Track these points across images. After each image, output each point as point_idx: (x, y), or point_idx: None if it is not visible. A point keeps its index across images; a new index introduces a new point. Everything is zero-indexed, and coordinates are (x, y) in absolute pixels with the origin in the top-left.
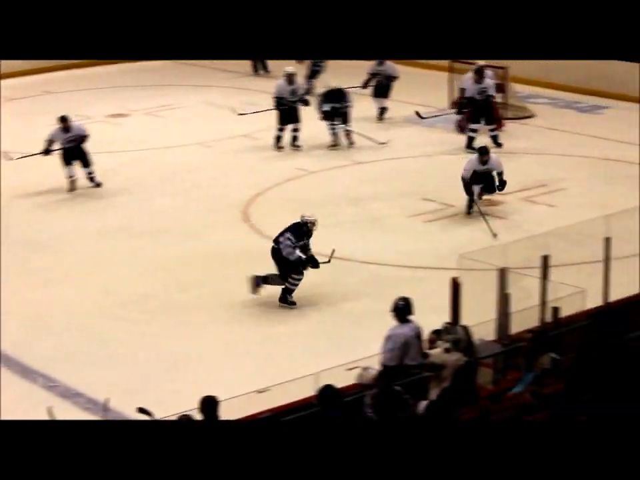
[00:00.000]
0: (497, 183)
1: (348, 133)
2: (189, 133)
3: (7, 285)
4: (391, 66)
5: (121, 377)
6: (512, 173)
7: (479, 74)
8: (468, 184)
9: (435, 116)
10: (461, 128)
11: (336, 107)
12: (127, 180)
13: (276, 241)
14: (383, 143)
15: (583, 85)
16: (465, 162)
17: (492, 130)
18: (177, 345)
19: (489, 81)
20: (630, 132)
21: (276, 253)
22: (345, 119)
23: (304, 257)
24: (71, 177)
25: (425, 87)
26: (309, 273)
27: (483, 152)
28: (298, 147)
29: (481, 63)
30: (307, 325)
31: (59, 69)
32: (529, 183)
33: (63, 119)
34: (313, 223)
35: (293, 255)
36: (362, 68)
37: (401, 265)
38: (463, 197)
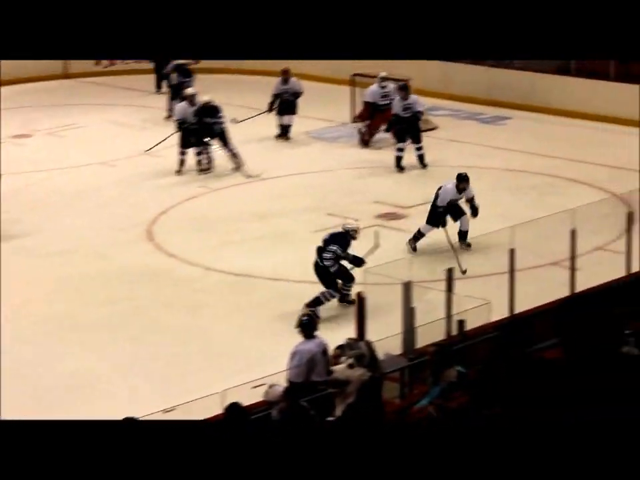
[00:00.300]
0: (471, 211)
1: (233, 155)
2: (92, 152)
3: None
4: (296, 83)
5: (26, 396)
6: (415, 185)
7: (404, 90)
8: (441, 214)
9: (252, 117)
10: (364, 142)
11: (209, 123)
12: (33, 201)
13: (320, 256)
14: (252, 176)
15: (484, 96)
16: (441, 190)
17: (418, 149)
18: (81, 364)
19: (414, 97)
20: (532, 142)
21: (319, 268)
22: (224, 140)
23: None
24: None
25: (326, 101)
26: (215, 291)
27: (462, 179)
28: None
29: (383, 74)
30: (213, 343)
31: None
32: (432, 195)
33: None
34: (356, 230)
35: (333, 267)
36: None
37: (306, 281)
38: (369, 212)
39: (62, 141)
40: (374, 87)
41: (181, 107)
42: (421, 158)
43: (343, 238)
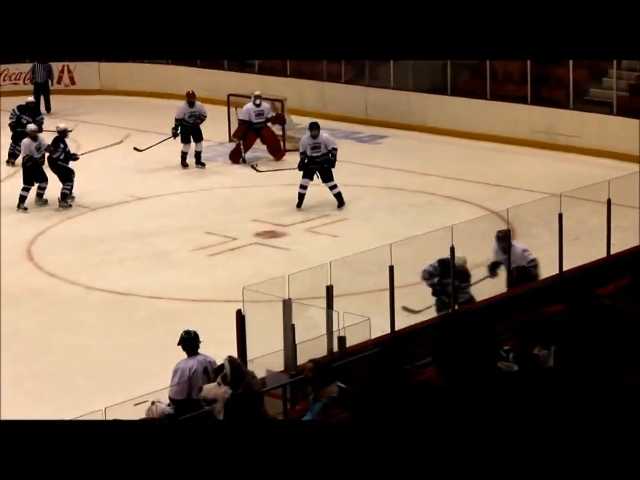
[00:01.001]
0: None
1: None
2: None
3: None
4: (201, 106)
5: None
6: (294, 204)
7: (314, 128)
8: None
9: (155, 144)
10: (235, 159)
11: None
12: None
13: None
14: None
15: (360, 115)
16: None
17: (331, 188)
18: None
19: (325, 135)
20: (410, 160)
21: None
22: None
23: None
24: None
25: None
26: (97, 310)
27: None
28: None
29: (257, 93)
30: (94, 361)
31: None
32: (311, 213)
33: None
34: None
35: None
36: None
37: (187, 299)
38: (248, 230)
39: None
40: (249, 105)
41: (25, 143)
42: (337, 197)
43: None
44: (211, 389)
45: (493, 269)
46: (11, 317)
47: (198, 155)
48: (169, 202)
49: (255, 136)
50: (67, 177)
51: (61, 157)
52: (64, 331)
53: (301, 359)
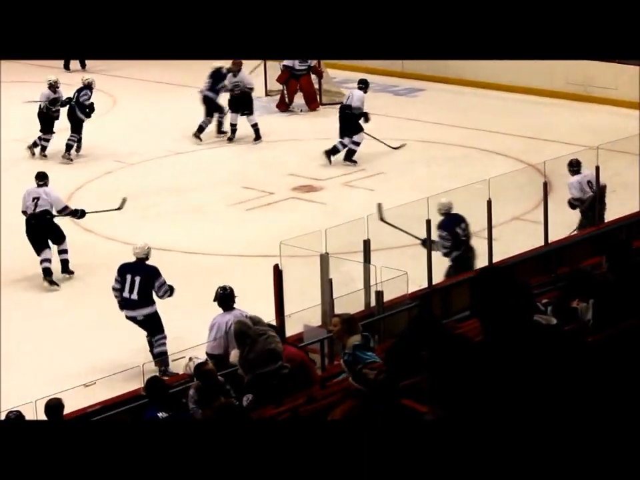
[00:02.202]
0: None
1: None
2: (7, 129)
3: None
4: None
5: None
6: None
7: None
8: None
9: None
10: (282, 107)
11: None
12: None
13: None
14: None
15: (397, 68)
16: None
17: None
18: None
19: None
20: (446, 113)
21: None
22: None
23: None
24: None
25: None
26: None
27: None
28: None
29: None
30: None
31: None
32: (348, 167)
33: None
34: None
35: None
36: None
37: (224, 254)
38: (285, 184)
39: None
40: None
41: (44, 93)
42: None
43: None
44: (236, 354)
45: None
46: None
47: (255, 127)
48: (205, 157)
49: (296, 83)
50: (77, 128)
51: (79, 107)
52: (101, 288)
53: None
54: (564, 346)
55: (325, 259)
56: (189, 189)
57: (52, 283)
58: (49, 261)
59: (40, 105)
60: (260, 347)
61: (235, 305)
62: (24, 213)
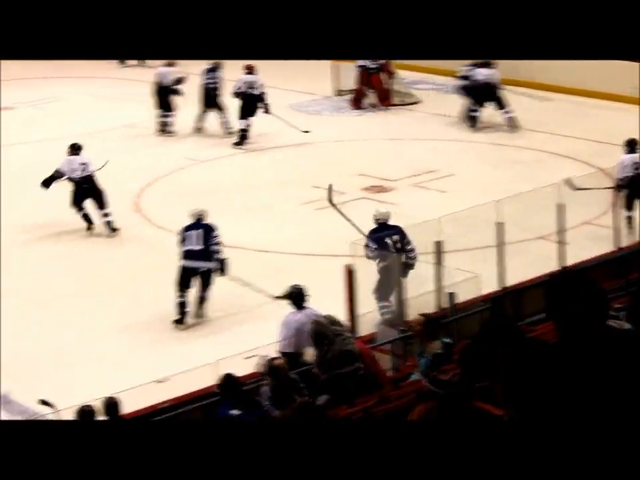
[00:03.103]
0: None
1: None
2: (73, 124)
3: None
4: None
5: (17, 369)
6: (401, 159)
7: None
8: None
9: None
10: (357, 105)
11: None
12: (14, 172)
13: None
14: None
15: None
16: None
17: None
18: (70, 334)
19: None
20: (517, 116)
21: None
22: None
23: None
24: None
25: (308, 74)
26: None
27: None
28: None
29: None
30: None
31: None
32: (419, 169)
33: None
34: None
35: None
36: None
37: (294, 253)
38: (354, 184)
39: (43, 113)
40: None
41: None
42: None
43: None
44: (312, 354)
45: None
46: (118, 269)
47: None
48: (276, 155)
49: (369, 81)
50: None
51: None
52: (168, 283)
53: (411, 315)
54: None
55: (396, 260)
56: (259, 187)
57: (90, 225)
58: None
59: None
60: (337, 348)
61: (306, 304)
62: (69, 178)
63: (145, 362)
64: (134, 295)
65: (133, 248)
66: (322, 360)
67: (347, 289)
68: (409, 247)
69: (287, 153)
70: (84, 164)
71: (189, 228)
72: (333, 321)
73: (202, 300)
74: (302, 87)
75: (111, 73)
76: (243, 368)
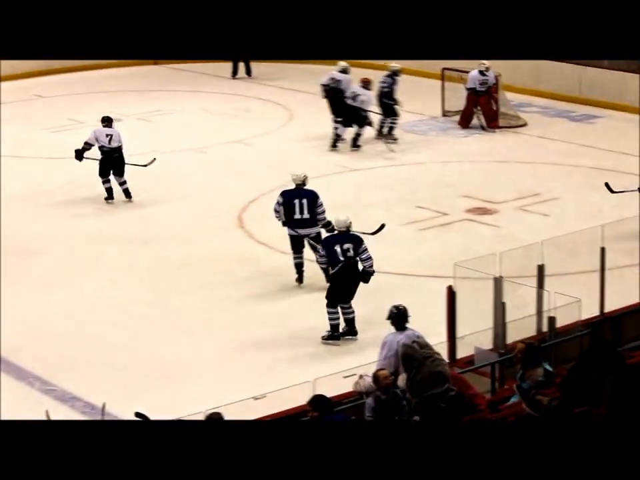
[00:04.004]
0: None
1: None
2: (182, 138)
3: (4, 290)
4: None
5: (117, 381)
6: (505, 181)
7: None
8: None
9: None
10: (464, 124)
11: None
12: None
13: None
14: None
15: (574, 93)
16: None
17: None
18: (171, 350)
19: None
20: (623, 142)
21: None
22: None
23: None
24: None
25: (417, 95)
26: (305, 279)
27: None
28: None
29: (485, 64)
30: (305, 332)
31: (48, 73)
32: (523, 191)
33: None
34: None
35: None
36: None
37: (397, 273)
38: (459, 206)
39: (151, 126)
40: (474, 73)
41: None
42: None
43: None
44: (404, 379)
45: None
46: (220, 285)
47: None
48: (380, 174)
49: (477, 103)
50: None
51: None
52: (273, 299)
53: (510, 338)
54: None
55: (498, 283)
56: (362, 206)
57: (110, 198)
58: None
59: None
60: (427, 370)
61: (407, 325)
62: (100, 147)
63: (247, 379)
64: (233, 311)
65: (236, 265)
66: (411, 383)
67: (448, 311)
68: (363, 256)
69: (391, 173)
70: (109, 135)
71: (291, 195)
72: (422, 344)
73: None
74: (411, 107)
75: (221, 88)
76: (342, 387)
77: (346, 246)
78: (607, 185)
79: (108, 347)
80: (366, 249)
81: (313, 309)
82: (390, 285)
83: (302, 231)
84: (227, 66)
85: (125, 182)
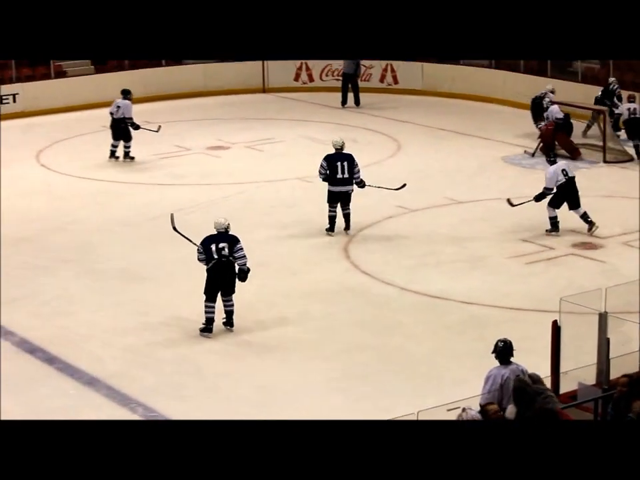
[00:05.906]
0: None
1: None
2: (289, 167)
3: (106, 313)
4: None
5: (217, 409)
6: (611, 216)
7: None
8: None
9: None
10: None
11: None
12: (228, 212)
13: None
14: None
15: None
16: None
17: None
18: (272, 379)
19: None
20: None
21: None
22: None
23: None
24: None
25: (522, 128)
26: (410, 311)
27: None
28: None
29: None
30: (407, 364)
31: (155, 99)
32: (629, 227)
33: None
34: None
35: None
36: None
37: (500, 306)
38: (565, 240)
39: (259, 154)
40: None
41: None
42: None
43: None
44: (512, 411)
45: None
46: (325, 315)
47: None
48: (487, 207)
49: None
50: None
51: None
52: (378, 331)
53: (614, 374)
54: None
55: (603, 318)
56: (468, 239)
57: (111, 157)
58: (116, 147)
59: None
60: (538, 406)
61: (512, 359)
62: (111, 113)
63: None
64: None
65: (341, 296)
66: (521, 417)
67: (552, 345)
68: (237, 255)
69: (497, 205)
70: (119, 106)
71: (334, 158)
72: (535, 379)
73: (347, 217)
74: (515, 140)
75: (327, 117)
76: (445, 419)
77: (221, 245)
78: (508, 200)
79: (209, 373)
80: (241, 249)
81: (421, 342)
82: (494, 318)
83: (342, 188)
84: (335, 95)
85: (129, 146)
